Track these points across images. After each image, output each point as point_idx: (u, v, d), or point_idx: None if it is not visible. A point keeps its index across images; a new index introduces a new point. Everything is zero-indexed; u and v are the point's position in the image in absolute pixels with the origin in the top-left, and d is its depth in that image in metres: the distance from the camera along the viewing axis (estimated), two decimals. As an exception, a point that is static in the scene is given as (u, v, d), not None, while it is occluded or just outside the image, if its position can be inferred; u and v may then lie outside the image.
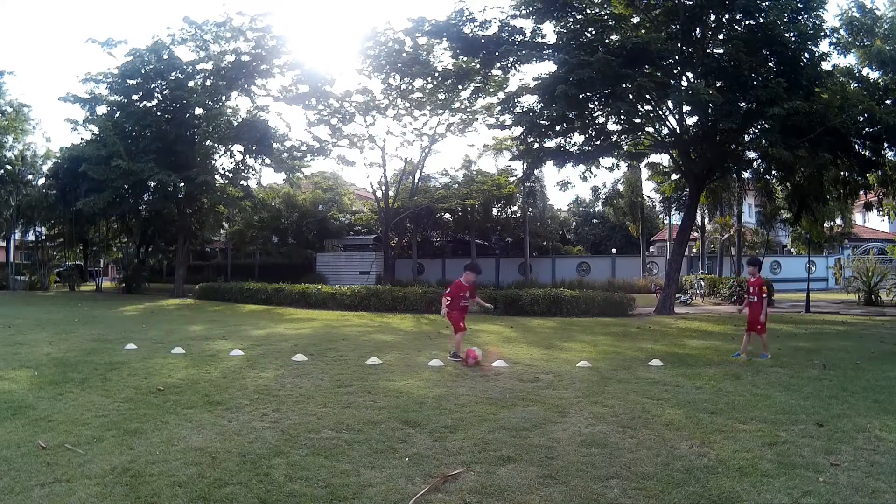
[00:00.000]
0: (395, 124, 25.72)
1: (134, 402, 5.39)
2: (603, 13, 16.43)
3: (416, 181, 28.33)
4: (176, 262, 27.01)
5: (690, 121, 17.23)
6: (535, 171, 23.61)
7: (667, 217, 32.44)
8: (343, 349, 8.84)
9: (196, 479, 3.48)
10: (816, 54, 15.33)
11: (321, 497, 3.26)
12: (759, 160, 17.91)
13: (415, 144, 26.45)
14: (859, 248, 29.25)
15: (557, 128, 17.49)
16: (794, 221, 22.30)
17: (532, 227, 31.52)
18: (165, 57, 23.91)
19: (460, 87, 23.19)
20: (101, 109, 24.80)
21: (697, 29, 16.17)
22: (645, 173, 27.42)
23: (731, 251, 29.89)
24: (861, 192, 19.94)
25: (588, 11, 16.40)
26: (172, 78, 24.22)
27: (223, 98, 25.05)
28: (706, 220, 29.62)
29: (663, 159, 23.18)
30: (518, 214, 32.02)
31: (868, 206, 23.75)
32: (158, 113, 24.42)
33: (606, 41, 16.09)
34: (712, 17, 16.01)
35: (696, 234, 28.68)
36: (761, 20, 14.80)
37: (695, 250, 30.88)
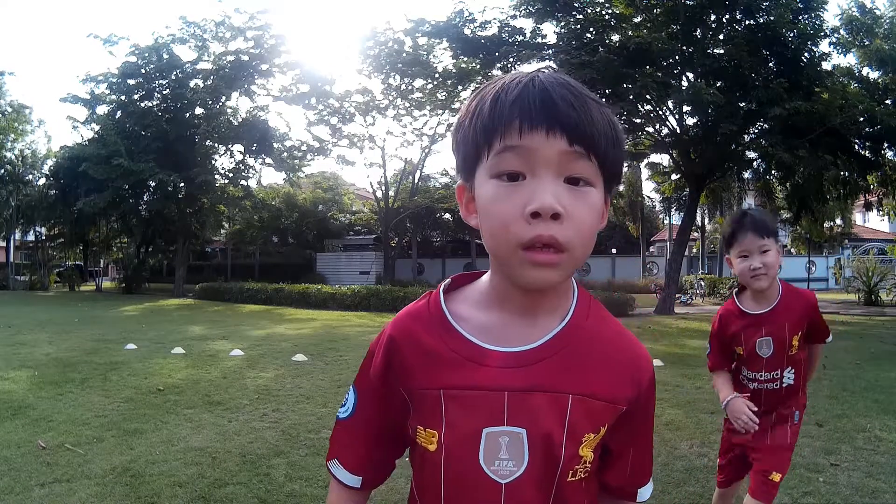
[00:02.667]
0: (395, 124, 25.80)
1: (134, 402, 5.39)
2: (604, 13, 16.43)
3: (416, 181, 28.35)
4: (176, 262, 27.00)
5: (691, 121, 17.24)
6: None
7: (667, 217, 32.43)
8: (343, 349, 8.83)
9: (196, 479, 3.48)
10: (817, 54, 15.32)
11: (321, 497, 3.26)
12: (759, 160, 17.91)
13: (415, 144, 26.50)
14: (859, 248, 29.24)
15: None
16: (794, 221, 22.27)
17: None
18: (166, 56, 23.91)
19: (460, 87, 23.20)
20: (102, 109, 24.82)
21: (698, 29, 16.17)
22: (645, 173, 27.44)
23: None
24: (861, 193, 19.93)
25: (588, 11, 16.40)
26: (173, 77, 24.22)
27: (223, 98, 25.05)
28: (706, 220, 29.61)
29: (663, 159, 23.19)
30: (518, 214, 31.98)
31: (868, 206, 23.69)
32: (159, 112, 24.42)
33: (607, 41, 16.10)
34: (713, 17, 16.01)
35: (696, 234, 28.68)
36: (762, 20, 14.81)
37: (695, 250, 30.88)
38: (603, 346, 0.83)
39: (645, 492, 0.93)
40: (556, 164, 0.73)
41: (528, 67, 17.96)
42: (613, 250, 36.00)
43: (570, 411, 0.79)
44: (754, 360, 2.20)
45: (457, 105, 24.44)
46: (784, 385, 2.20)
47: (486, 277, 0.87)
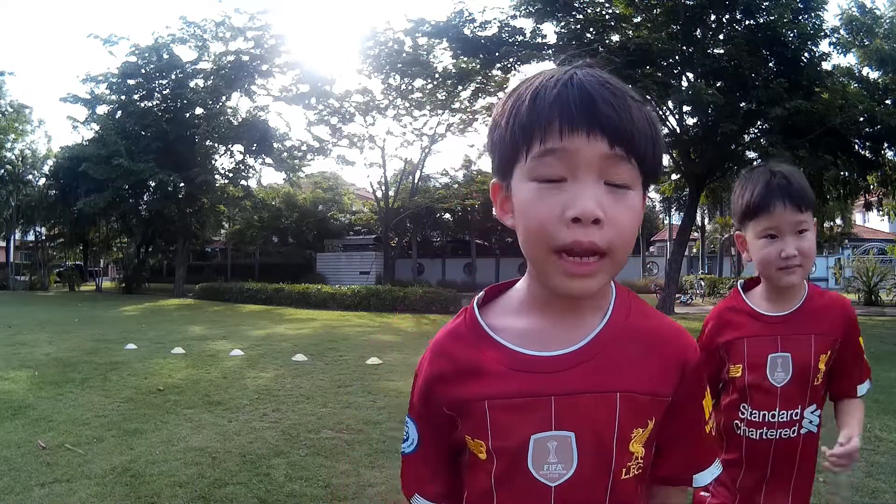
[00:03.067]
0: (395, 124, 25.75)
1: (134, 402, 5.39)
2: (604, 13, 16.43)
3: (416, 181, 28.34)
4: (176, 262, 27.01)
5: (691, 121, 17.24)
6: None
7: (667, 217, 32.44)
8: (343, 349, 8.84)
9: (196, 479, 3.49)
10: (817, 54, 15.33)
11: (321, 497, 3.26)
12: (760, 160, 17.91)
13: (415, 144, 26.48)
14: (859, 248, 29.23)
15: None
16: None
17: (532, 227, 31.48)
18: (166, 56, 23.93)
19: (460, 87, 23.19)
20: (102, 109, 24.82)
21: (698, 29, 16.17)
22: (645, 173, 27.42)
23: (731, 251, 29.90)
24: (861, 193, 19.95)
25: (588, 11, 16.40)
26: (173, 77, 24.23)
27: (223, 98, 25.06)
28: (706, 220, 29.60)
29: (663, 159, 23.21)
30: (518, 214, 31.99)
31: (868, 206, 23.69)
32: (159, 112, 24.43)
33: (607, 41, 16.10)
34: (713, 17, 16.01)
35: (696, 234, 28.68)
36: (762, 20, 14.81)
37: (695, 250, 30.89)
38: (645, 341, 0.82)
39: (703, 477, 0.89)
40: (597, 166, 0.72)
41: (528, 67, 17.96)
42: (613, 250, 36.01)
43: (619, 409, 0.78)
44: (763, 391, 1.42)
45: (457, 105, 24.49)
46: (803, 433, 1.46)
47: (521, 284, 0.86)
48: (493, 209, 0.84)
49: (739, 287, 1.53)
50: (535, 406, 0.78)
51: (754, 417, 1.44)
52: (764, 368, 1.42)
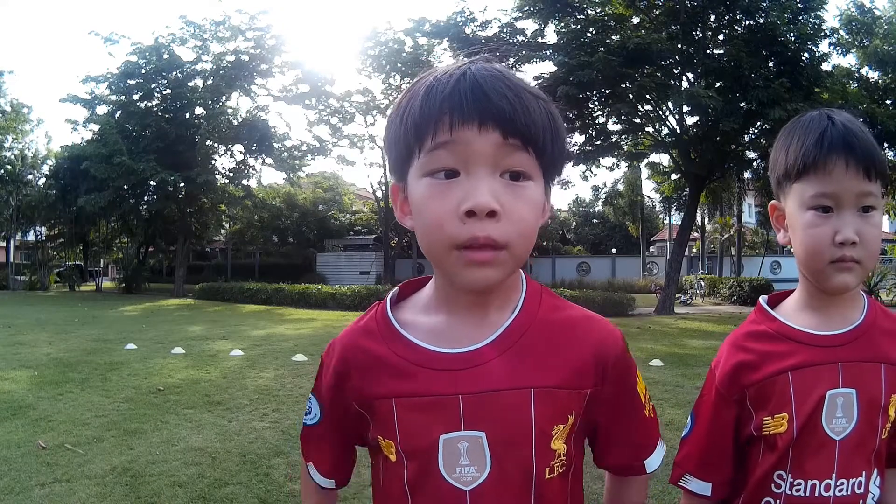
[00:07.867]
0: (396, 124, 25.81)
1: (134, 402, 5.39)
2: (604, 14, 16.44)
3: (415, 181, 28.40)
4: (176, 262, 27.01)
5: (690, 121, 17.26)
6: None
7: (667, 217, 32.45)
8: (343, 349, 8.82)
9: (196, 479, 3.49)
10: (816, 55, 15.34)
11: (321, 497, 3.25)
12: (759, 160, 17.92)
13: (415, 144, 26.53)
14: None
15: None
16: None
17: (532, 228, 31.47)
18: (166, 56, 23.91)
19: (460, 87, 23.19)
20: (102, 109, 24.81)
21: (698, 29, 16.18)
22: (645, 173, 27.44)
23: (731, 251, 29.90)
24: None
25: (589, 12, 16.41)
26: (173, 77, 24.23)
27: (223, 98, 25.06)
28: (706, 220, 29.61)
29: (663, 159, 23.19)
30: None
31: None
32: (159, 112, 24.41)
33: (607, 41, 16.12)
34: (713, 18, 16.02)
35: (696, 234, 28.67)
36: (762, 21, 14.82)
37: (695, 250, 30.88)
38: (559, 334, 0.80)
39: (653, 462, 0.89)
40: (491, 158, 0.70)
41: (528, 67, 17.98)
42: (613, 250, 36.06)
43: (535, 406, 0.76)
44: (814, 448, 0.95)
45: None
46: None
47: (431, 281, 0.86)
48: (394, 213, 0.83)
49: (764, 303, 1.07)
50: (443, 405, 0.76)
51: (798, 492, 0.95)
52: (818, 413, 0.94)
